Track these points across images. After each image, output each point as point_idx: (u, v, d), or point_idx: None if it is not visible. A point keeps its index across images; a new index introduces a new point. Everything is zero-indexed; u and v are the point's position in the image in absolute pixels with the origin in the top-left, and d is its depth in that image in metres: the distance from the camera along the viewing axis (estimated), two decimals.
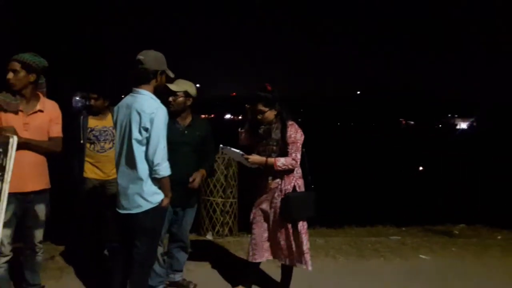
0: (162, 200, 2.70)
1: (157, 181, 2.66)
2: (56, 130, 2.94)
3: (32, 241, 2.93)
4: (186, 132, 3.32)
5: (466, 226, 6.40)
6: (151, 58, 2.68)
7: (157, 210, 2.69)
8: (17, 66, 2.76)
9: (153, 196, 2.67)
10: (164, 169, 2.62)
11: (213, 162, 3.70)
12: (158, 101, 2.71)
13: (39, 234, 2.94)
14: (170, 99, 3.25)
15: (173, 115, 3.27)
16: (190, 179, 3.26)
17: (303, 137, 3.23)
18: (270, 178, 3.25)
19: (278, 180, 3.25)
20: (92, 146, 3.89)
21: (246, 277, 3.51)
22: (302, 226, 3.26)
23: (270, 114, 3.23)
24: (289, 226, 3.23)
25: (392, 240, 5.24)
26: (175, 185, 3.08)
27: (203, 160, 3.41)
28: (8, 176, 2.51)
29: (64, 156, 3.36)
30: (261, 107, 3.20)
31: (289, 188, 3.23)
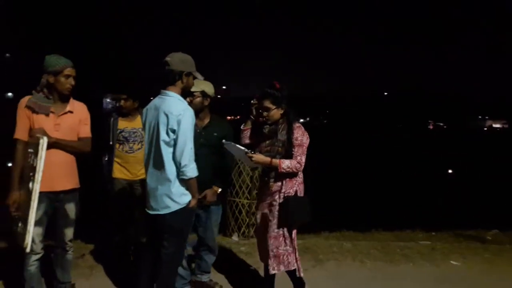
0: (189, 201, 2.71)
1: (185, 182, 2.67)
2: (85, 131, 3.00)
3: (62, 240, 2.99)
4: (203, 133, 3.29)
5: (499, 231, 6.16)
6: (177, 60, 2.70)
7: (185, 211, 2.70)
8: (74, 72, 2.87)
9: (181, 197, 2.68)
10: (191, 170, 2.63)
11: (229, 170, 3.58)
12: (186, 102, 2.73)
13: (69, 233, 3.00)
14: (188, 99, 3.26)
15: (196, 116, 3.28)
16: (202, 195, 3.24)
17: (309, 140, 3.13)
18: (271, 180, 3.13)
19: (279, 183, 3.13)
20: (121, 146, 3.94)
21: (264, 283, 3.43)
22: (295, 232, 3.17)
23: (276, 113, 3.11)
24: (284, 231, 3.12)
25: (421, 245, 5.10)
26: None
27: (220, 168, 3.37)
28: (39, 176, 2.57)
29: (94, 156, 3.43)
30: (268, 104, 3.09)
31: (290, 192, 3.11)
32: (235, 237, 5.22)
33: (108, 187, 4.01)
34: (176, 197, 2.67)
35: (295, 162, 3.04)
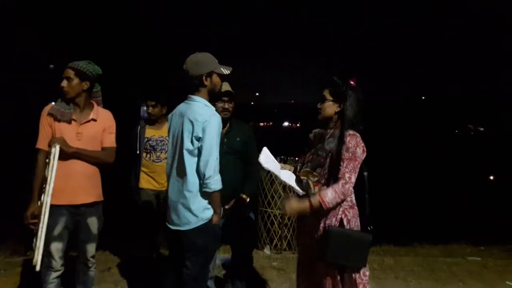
0: (211, 217, 2.49)
1: (208, 196, 2.45)
2: (110, 140, 2.84)
3: (84, 256, 2.83)
4: (225, 140, 3.07)
5: None
6: (192, 64, 2.50)
7: (208, 227, 2.47)
8: (71, 73, 2.70)
9: (204, 211, 2.46)
10: (216, 183, 2.41)
11: (256, 176, 3.28)
12: (213, 108, 2.52)
13: (91, 248, 2.83)
14: (226, 106, 3.05)
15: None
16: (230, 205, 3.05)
17: (365, 154, 2.42)
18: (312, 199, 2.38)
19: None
20: (148, 155, 3.80)
21: None
22: (356, 277, 2.41)
23: (330, 107, 2.49)
24: (335, 274, 2.40)
25: (470, 262, 4.68)
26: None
27: (247, 175, 3.15)
28: (49, 187, 2.43)
29: (122, 166, 3.29)
30: (325, 93, 2.53)
31: (334, 222, 2.39)
32: (267, 250, 4.97)
33: (135, 198, 3.88)
34: (198, 211, 2.45)
35: (340, 186, 2.32)
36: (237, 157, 3.11)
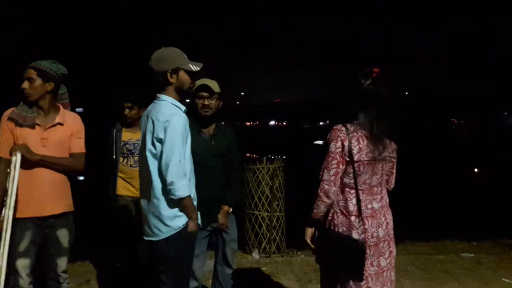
0: (186, 224, 2.27)
1: (177, 203, 2.24)
2: (78, 146, 2.61)
3: (55, 271, 2.60)
4: (213, 142, 2.87)
5: None
6: (156, 60, 2.30)
7: (181, 236, 2.26)
8: (32, 74, 2.47)
9: (175, 220, 2.25)
10: (181, 189, 2.19)
11: (240, 182, 3.08)
12: (179, 107, 2.33)
13: (62, 263, 2.60)
14: (206, 102, 2.84)
15: (201, 123, 2.86)
16: (219, 222, 2.86)
17: (346, 149, 2.15)
18: None
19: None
20: (125, 160, 3.57)
21: None
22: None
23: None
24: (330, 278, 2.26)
25: (464, 259, 4.56)
26: (207, 205, 2.67)
27: (230, 181, 2.96)
28: (11, 200, 2.21)
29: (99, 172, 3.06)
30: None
31: (325, 225, 2.25)
32: (255, 254, 4.79)
33: (113, 205, 3.65)
34: (168, 220, 2.24)
35: (317, 190, 2.18)
36: (224, 162, 2.92)
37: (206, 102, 2.81)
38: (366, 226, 2.14)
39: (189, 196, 2.24)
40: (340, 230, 2.17)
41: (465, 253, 4.76)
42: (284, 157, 5.13)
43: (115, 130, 3.63)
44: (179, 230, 2.25)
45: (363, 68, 2.21)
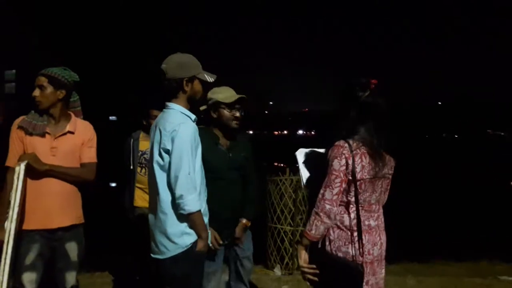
0: (194, 243, 2.12)
1: (185, 218, 2.09)
2: (89, 155, 2.51)
3: (63, 286, 2.48)
4: (230, 154, 2.69)
5: None
6: (173, 65, 2.18)
7: (189, 255, 2.10)
8: (43, 81, 2.38)
9: (182, 237, 2.10)
10: (191, 203, 2.04)
11: (256, 197, 2.91)
12: (189, 116, 2.20)
13: (70, 278, 2.48)
14: (238, 114, 2.68)
15: (226, 134, 2.70)
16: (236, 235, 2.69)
17: (350, 167, 2.02)
18: None
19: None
20: (143, 170, 3.48)
21: None
22: None
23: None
24: None
25: (504, 282, 4.21)
26: (225, 222, 2.53)
27: (248, 194, 2.78)
28: (14, 213, 2.11)
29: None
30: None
31: (319, 245, 2.09)
32: (277, 270, 4.60)
33: (129, 217, 3.55)
34: (175, 237, 2.09)
35: (316, 206, 2.01)
36: (241, 174, 2.76)
37: (238, 114, 2.68)
38: (363, 241, 2.02)
39: (199, 211, 2.09)
40: (337, 245, 2.03)
41: (505, 276, 4.42)
42: None
43: (132, 140, 3.55)
44: (186, 248, 2.10)
45: (358, 79, 2.10)
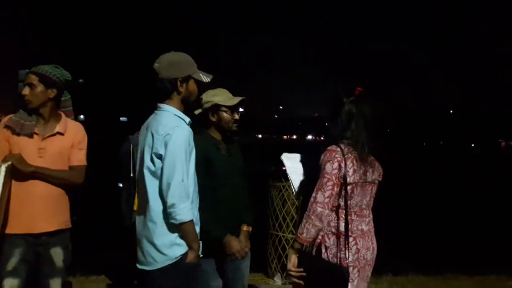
0: (185, 254, 2.00)
1: (176, 228, 1.97)
2: (78, 158, 2.41)
3: None
4: (231, 158, 2.58)
5: None
6: (165, 65, 2.07)
7: (179, 267, 1.99)
8: (34, 79, 2.30)
9: (172, 248, 1.98)
10: (183, 212, 1.93)
11: (251, 199, 2.79)
12: (183, 119, 2.09)
13: (55, 284, 2.38)
14: (237, 116, 2.57)
15: (224, 138, 2.60)
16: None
17: (342, 170, 2.05)
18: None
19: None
20: None
21: None
22: None
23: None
24: None
25: None
26: (233, 230, 2.46)
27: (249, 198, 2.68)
28: None
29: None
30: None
31: (311, 248, 2.12)
32: (277, 279, 4.48)
33: (126, 224, 3.44)
34: (164, 248, 1.97)
35: (308, 209, 2.03)
36: (244, 178, 2.66)
37: (237, 116, 2.59)
38: (358, 247, 2.08)
39: (191, 221, 1.98)
40: (333, 251, 2.06)
41: None
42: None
43: (131, 146, 3.44)
44: (176, 260, 1.99)
45: (344, 84, 2.19)
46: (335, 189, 2.03)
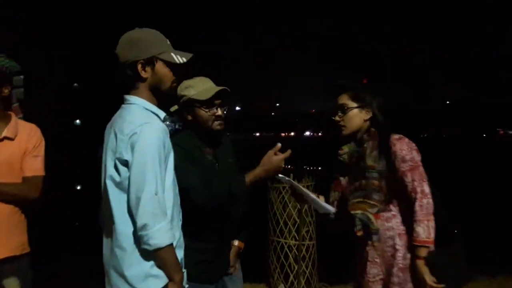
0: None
1: (151, 255, 1.51)
2: (33, 167, 1.98)
3: None
4: (216, 163, 2.11)
5: None
6: (124, 45, 1.59)
7: None
8: None
9: (146, 281, 1.51)
10: (158, 235, 1.46)
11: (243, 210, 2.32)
12: (156, 113, 1.62)
13: None
14: (220, 112, 2.08)
15: (206, 140, 2.13)
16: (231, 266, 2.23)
17: (420, 156, 2.00)
18: (374, 236, 1.99)
19: (390, 234, 1.98)
20: None
21: None
22: None
23: (357, 117, 2.04)
24: None
25: None
26: (218, 249, 2.06)
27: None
28: None
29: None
30: (345, 100, 2.05)
31: (389, 249, 1.98)
32: None
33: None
34: (136, 281, 1.50)
35: (422, 208, 1.89)
36: None
37: (220, 112, 2.06)
38: None
39: (171, 245, 1.50)
40: (401, 254, 1.99)
41: None
42: (319, 168, 4.43)
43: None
44: None
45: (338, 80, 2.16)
46: None
